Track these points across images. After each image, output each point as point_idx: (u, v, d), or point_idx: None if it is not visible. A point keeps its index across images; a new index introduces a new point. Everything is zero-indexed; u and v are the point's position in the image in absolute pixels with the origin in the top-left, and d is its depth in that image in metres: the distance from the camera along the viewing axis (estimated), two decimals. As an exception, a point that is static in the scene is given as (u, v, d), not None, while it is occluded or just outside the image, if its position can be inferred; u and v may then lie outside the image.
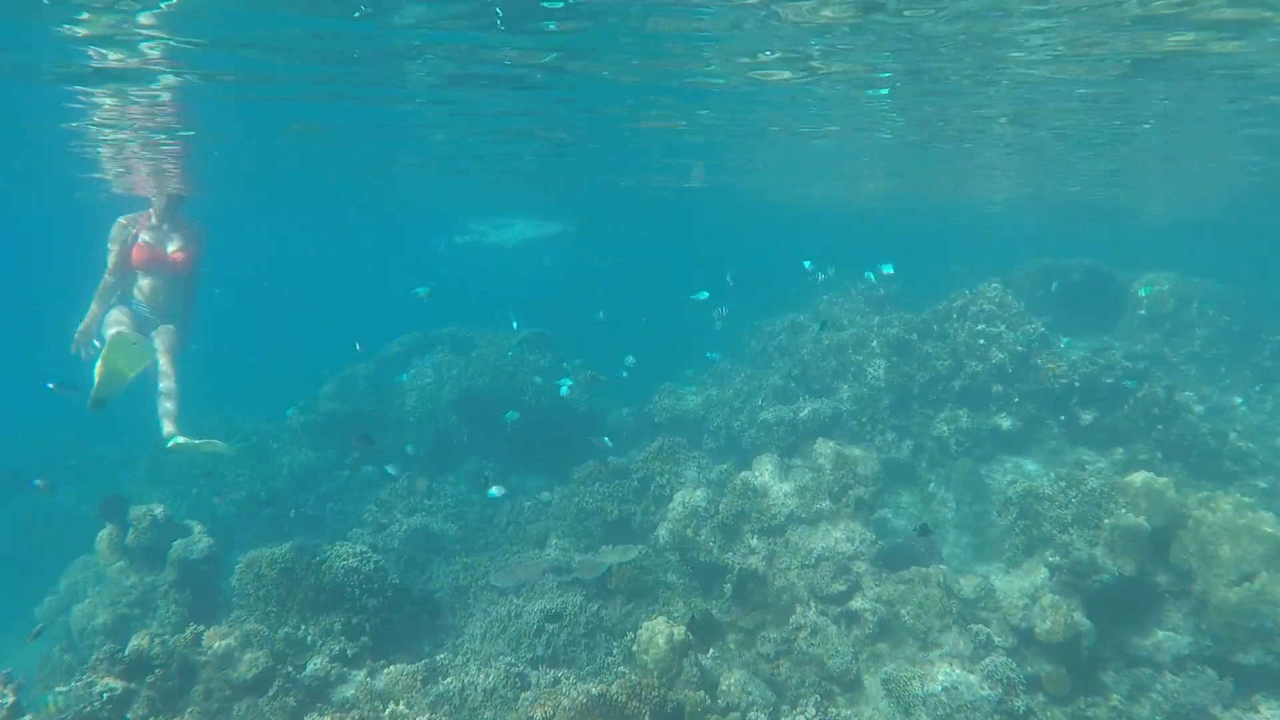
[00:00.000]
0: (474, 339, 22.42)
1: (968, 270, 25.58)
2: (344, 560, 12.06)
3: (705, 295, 18.01)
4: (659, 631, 9.75)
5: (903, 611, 11.43)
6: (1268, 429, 18.11)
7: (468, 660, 11.02)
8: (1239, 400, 19.46)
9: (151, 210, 13.42)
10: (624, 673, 10.10)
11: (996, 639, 11.07)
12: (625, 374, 19.96)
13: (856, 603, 11.55)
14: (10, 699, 8.81)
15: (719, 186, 29.68)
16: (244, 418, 23.03)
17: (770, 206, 36.60)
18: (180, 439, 11.86)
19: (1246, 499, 12.18)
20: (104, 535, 12.86)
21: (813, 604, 11.60)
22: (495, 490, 16.67)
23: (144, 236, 13.11)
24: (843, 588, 11.71)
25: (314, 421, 21.10)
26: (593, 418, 21.64)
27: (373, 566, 12.28)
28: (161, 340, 12.78)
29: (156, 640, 9.20)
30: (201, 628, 10.02)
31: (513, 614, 12.31)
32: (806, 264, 19.97)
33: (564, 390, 19.38)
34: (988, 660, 10.47)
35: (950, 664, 10.57)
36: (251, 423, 22.00)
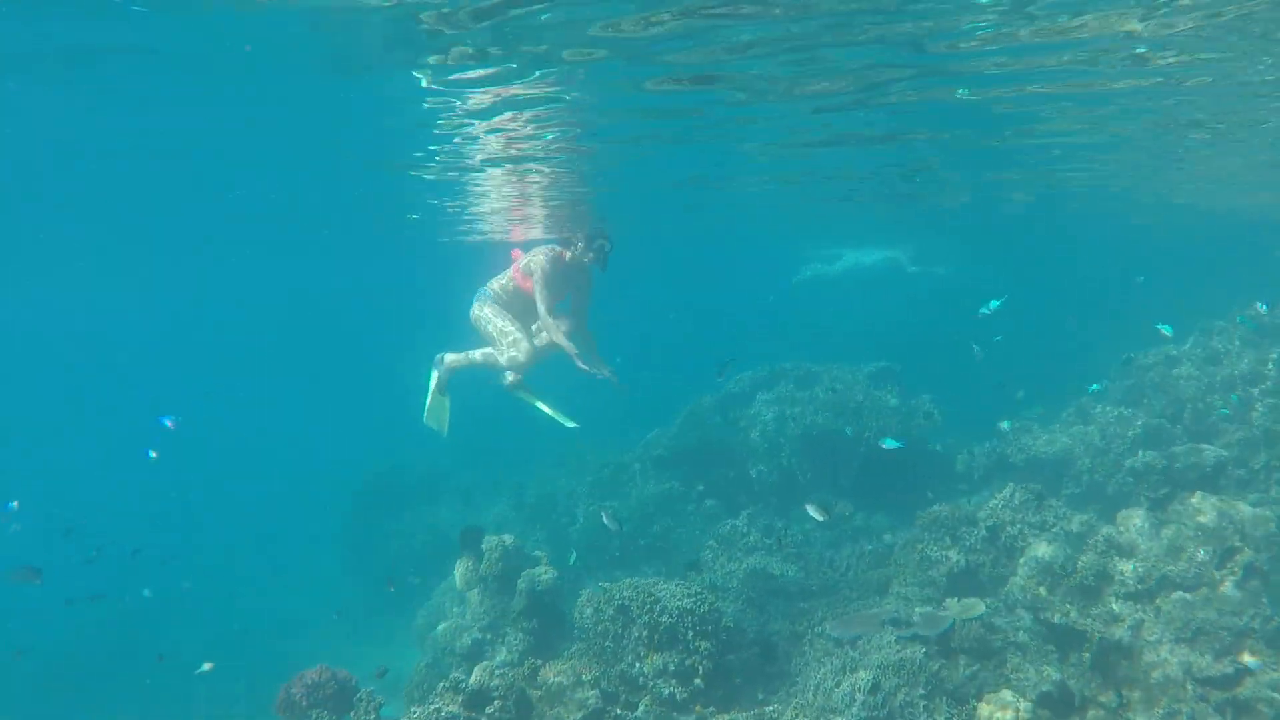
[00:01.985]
0: (818, 373, 22.09)
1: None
2: (679, 600, 12.10)
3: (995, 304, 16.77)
4: (1002, 707, 8.93)
5: (1304, 702, 9.85)
6: None
7: (798, 714, 10.66)
8: None
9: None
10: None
11: None
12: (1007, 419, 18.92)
13: (1246, 689, 10.06)
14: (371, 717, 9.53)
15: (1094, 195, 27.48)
16: (598, 450, 24.07)
17: (1155, 215, 33.51)
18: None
19: None
20: (461, 563, 13.78)
21: (1189, 685, 10.24)
22: (814, 513, 15.92)
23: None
24: (1229, 669, 10.24)
25: (660, 456, 21.61)
26: (941, 455, 20.66)
27: (707, 608, 12.24)
28: None
29: (497, 673, 9.62)
30: (539, 662, 10.41)
31: (848, 667, 11.81)
32: (1140, 279, 18.08)
33: (887, 443, 18.30)
34: None
35: (1366, 772, 8.94)
36: (601, 454, 22.89)
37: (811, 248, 41.49)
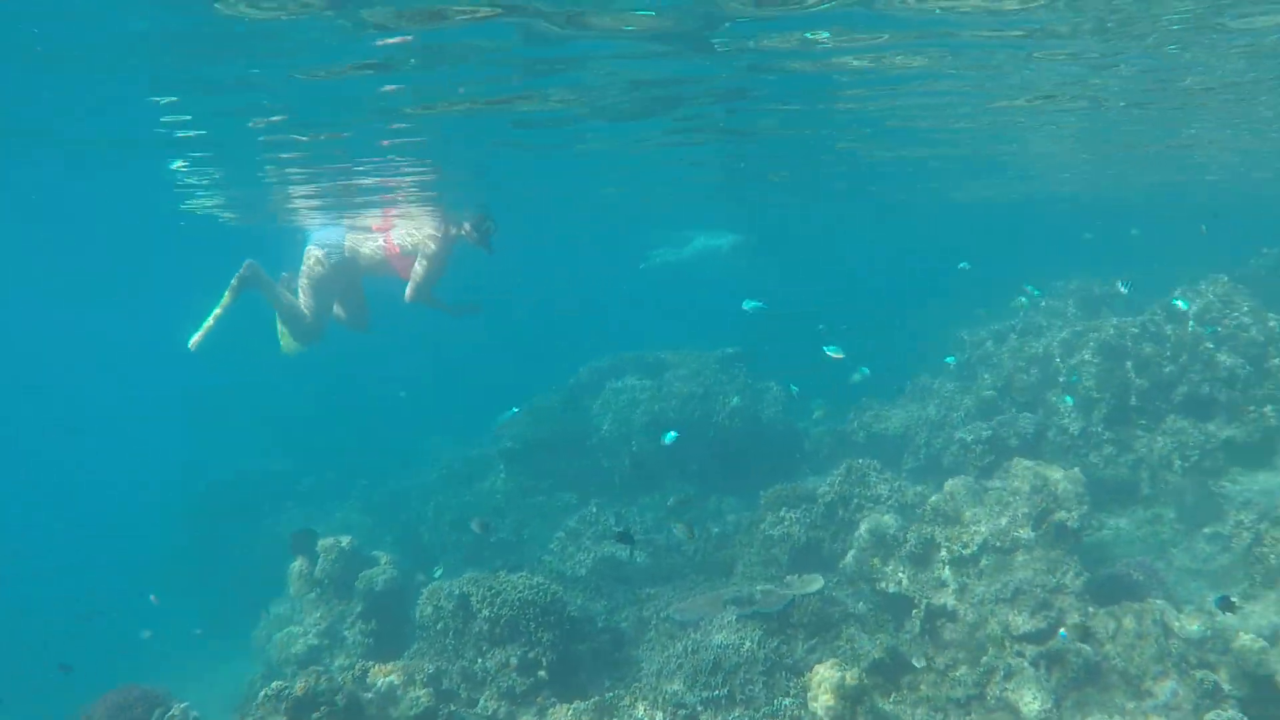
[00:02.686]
0: (666, 361, 22.21)
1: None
2: (519, 592, 12.00)
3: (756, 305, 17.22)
4: (828, 677, 9.10)
5: (1113, 652, 10.33)
6: None
7: (637, 700, 10.68)
8: None
9: None
10: (800, 716, 9.51)
11: (1227, 687, 9.79)
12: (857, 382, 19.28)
13: (1059, 642, 10.50)
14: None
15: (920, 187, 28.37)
16: (448, 444, 23.78)
17: (974, 206, 34.86)
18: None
19: None
20: (294, 567, 13.36)
21: (1008, 643, 10.63)
22: (680, 532, 16.04)
23: None
24: (1043, 625, 10.68)
25: (510, 449, 21.42)
26: (790, 437, 21.04)
27: (549, 598, 12.16)
28: None
29: (324, 677, 9.34)
30: (370, 663, 10.15)
31: (689, 649, 11.88)
32: (964, 265, 18.79)
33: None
34: (1214, 714, 9.25)
35: (1167, 717, 9.42)
36: (451, 448, 22.59)
37: (659, 231, 41.54)
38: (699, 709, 10.82)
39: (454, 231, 13.48)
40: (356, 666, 10.12)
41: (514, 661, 11.53)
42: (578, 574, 15.56)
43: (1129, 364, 16.28)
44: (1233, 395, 15.35)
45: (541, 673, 11.65)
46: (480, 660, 11.61)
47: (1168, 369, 15.88)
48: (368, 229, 13.99)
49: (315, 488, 24.99)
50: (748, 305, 18.08)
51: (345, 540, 13.33)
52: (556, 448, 21.24)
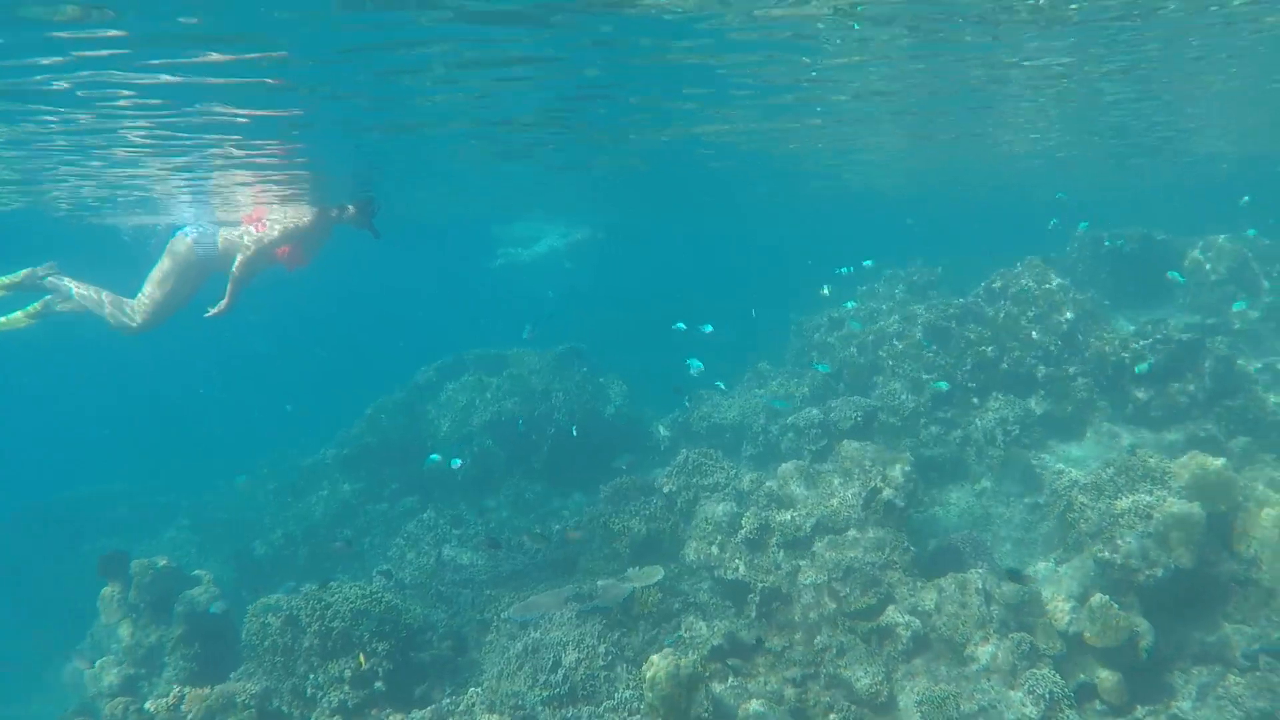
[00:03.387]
0: (505, 358, 21.93)
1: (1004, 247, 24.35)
2: (351, 603, 11.60)
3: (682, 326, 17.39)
4: (663, 668, 9.07)
5: (939, 623, 10.62)
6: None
7: (475, 704, 10.46)
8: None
9: None
10: (639, 708, 9.45)
11: (1042, 647, 10.19)
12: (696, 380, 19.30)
13: (888, 616, 10.75)
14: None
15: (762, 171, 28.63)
16: (286, 454, 22.93)
17: (817, 195, 35.56)
18: None
19: (1313, 476, 11.16)
20: (106, 593, 12.56)
21: (839, 621, 10.83)
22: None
23: None
24: (872, 601, 10.92)
25: (348, 455, 20.83)
26: (633, 431, 21.06)
27: (383, 608, 11.81)
28: None
29: (133, 708, 8.79)
30: (185, 690, 9.61)
31: (529, 649, 11.72)
32: (844, 269, 19.14)
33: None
34: (1030, 673, 9.61)
35: (989, 679, 9.73)
36: (288, 459, 21.83)
37: (506, 229, 41.12)
38: (539, 708, 10.67)
39: (334, 214, 12.95)
40: (172, 694, 9.55)
41: (347, 675, 11.15)
42: (418, 580, 15.21)
43: (955, 344, 16.85)
44: (1048, 372, 16.05)
45: (378, 684, 11.30)
46: (312, 676, 11.18)
47: (989, 349, 16.49)
48: (238, 223, 13.13)
49: (140, 509, 23.72)
50: (679, 326, 18.04)
51: (161, 560, 12.61)
52: (396, 451, 20.77)
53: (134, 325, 12.39)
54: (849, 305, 19.86)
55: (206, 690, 9.62)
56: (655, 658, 9.23)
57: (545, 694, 11.00)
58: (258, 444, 25.88)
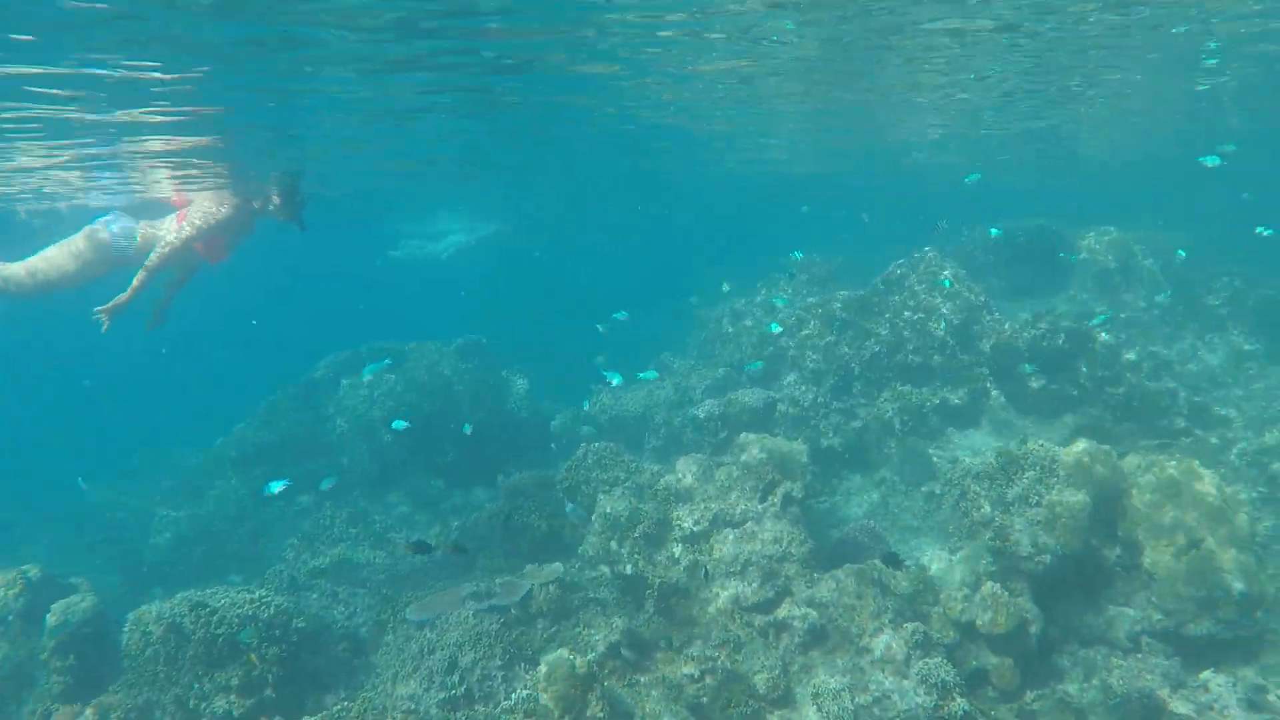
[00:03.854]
0: (406, 353, 21.50)
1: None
2: (239, 609, 11.22)
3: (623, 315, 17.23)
4: (559, 666, 8.93)
5: (835, 615, 10.66)
6: (1219, 381, 17.43)
7: (367, 709, 10.18)
8: (1190, 353, 18.76)
9: None
10: (536, 709, 9.29)
11: (935, 636, 10.30)
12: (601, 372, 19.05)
13: (785, 610, 10.76)
14: None
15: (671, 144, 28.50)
16: (180, 452, 22.24)
17: (732, 180, 35.61)
18: None
19: (1192, 461, 11.47)
20: (-32, 607, 11.92)
21: (737, 615, 10.81)
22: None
23: None
24: (770, 594, 10.92)
25: (243, 454, 20.24)
26: (537, 424, 20.86)
27: (272, 612, 11.46)
28: None
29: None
30: (57, 706, 9.15)
31: (425, 650, 11.50)
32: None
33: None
34: (922, 663, 9.70)
35: (883, 670, 9.80)
36: (177, 456, 21.15)
37: (410, 223, 40.44)
38: (434, 711, 10.46)
39: (256, 205, 12.38)
40: (39, 711, 9.08)
41: (235, 683, 10.78)
42: (312, 582, 14.81)
43: (854, 335, 16.99)
44: (944, 361, 16.29)
45: (268, 691, 10.96)
46: (196, 686, 10.78)
47: (888, 339, 16.67)
48: (161, 218, 12.45)
49: (12, 520, 22.64)
50: (618, 316, 17.71)
51: (32, 569, 12.00)
52: (292, 448, 20.27)
53: (11, 287, 11.71)
54: (759, 300, 19.81)
55: (77, 706, 9.17)
56: (550, 657, 9.08)
57: (441, 696, 10.80)
58: (144, 442, 25.05)
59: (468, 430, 17.86)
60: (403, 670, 11.39)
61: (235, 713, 10.27)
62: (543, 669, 9.10)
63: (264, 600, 11.51)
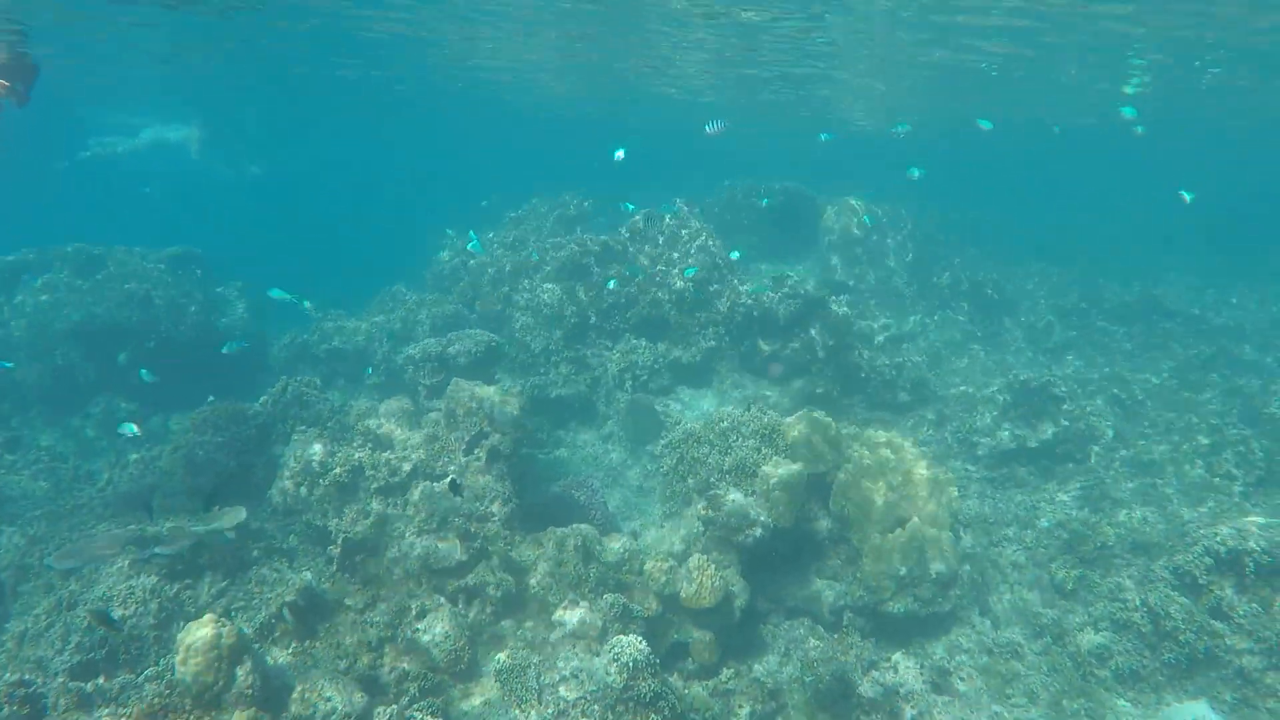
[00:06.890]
0: (104, 258, 19.05)
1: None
2: None
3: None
4: (201, 636, 7.71)
5: (533, 582, 9.93)
6: (943, 356, 17.87)
7: (-29, 676, 8.63)
8: (919, 328, 19.20)
9: None
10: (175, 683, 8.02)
11: (636, 608, 9.72)
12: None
13: (479, 574, 9.90)
14: None
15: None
16: None
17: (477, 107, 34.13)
18: None
19: (906, 440, 11.41)
20: None
21: (425, 578, 9.88)
22: (130, 428, 13.74)
23: None
24: (464, 557, 10.03)
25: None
26: (252, 348, 19.04)
27: None
28: None
29: None
30: None
31: (63, 605, 9.97)
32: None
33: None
34: (616, 639, 9.08)
35: (575, 645, 9.13)
36: None
37: (105, 114, 36.39)
38: (58, 677, 8.99)
39: None
40: None
41: None
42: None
43: (591, 284, 16.26)
44: (681, 319, 15.80)
45: None
46: None
47: (627, 289, 16.03)
48: None
49: None
50: (274, 293, 15.78)
51: None
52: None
53: None
54: (473, 240, 18.66)
55: None
56: (196, 624, 7.84)
57: (76, 659, 9.32)
58: None
59: (150, 345, 15.96)
60: (35, 626, 9.83)
61: None
62: (183, 638, 7.83)
63: None
